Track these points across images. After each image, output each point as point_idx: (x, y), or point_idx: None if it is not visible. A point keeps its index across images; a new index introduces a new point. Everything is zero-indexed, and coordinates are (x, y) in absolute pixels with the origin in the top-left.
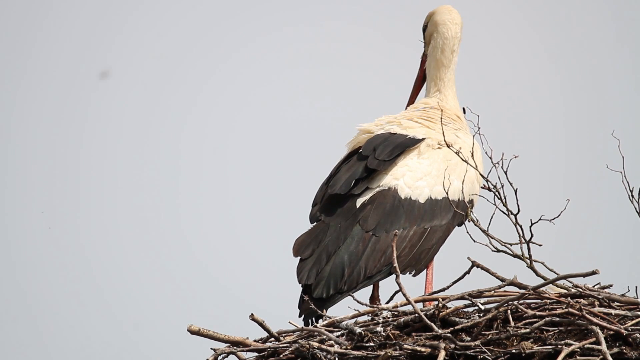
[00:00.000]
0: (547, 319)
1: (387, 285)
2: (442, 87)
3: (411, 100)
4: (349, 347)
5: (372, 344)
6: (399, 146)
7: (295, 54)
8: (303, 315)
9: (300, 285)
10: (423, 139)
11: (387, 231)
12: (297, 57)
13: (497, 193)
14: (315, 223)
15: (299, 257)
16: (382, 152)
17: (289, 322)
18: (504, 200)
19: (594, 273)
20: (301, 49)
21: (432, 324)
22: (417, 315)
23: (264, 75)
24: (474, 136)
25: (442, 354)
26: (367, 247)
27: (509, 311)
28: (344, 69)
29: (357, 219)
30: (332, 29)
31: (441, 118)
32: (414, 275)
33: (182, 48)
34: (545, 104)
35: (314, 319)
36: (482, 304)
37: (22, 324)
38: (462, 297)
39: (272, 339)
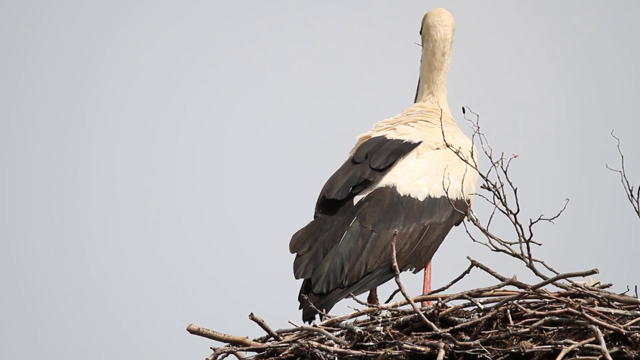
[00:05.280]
0: (546, 318)
1: (386, 285)
2: (434, 90)
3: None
4: (348, 347)
5: (371, 343)
6: (394, 153)
7: (293, 53)
8: (304, 314)
9: (297, 279)
10: (420, 142)
11: (387, 228)
12: (296, 56)
13: (496, 192)
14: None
15: (295, 253)
16: (376, 159)
17: (289, 322)
18: (503, 200)
19: (593, 272)
20: (299, 49)
21: (432, 324)
22: (416, 314)
23: (262, 75)
24: (473, 136)
25: (442, 353)
26: (367, 243)
27: (508, 310)
28: (343, 68)
29: (355, 215)
30: (330, 28)
31: (440, 117)
32: (415, 272)
33: (181, 47)
34: (545, 104)
35: (315, 315)
36: (482, 304)
37: (21, 325)
38: (461, 297)
39: (272, 338)
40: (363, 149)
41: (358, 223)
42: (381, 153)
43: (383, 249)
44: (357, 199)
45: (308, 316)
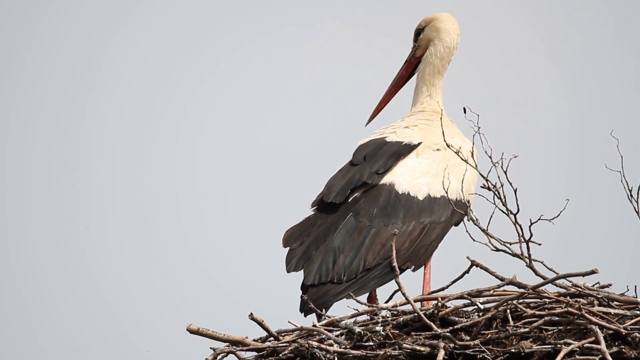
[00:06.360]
0: (546, 318)
1: (386, 285)
2: (433, 93)
3: (385, 100)
4: (348, 347)
5: (371, 343)
6: (393, 155)
7: (294, 53)
8: (301, 308)
9: (288, 272)
10: (419, 143)
11: (386, 224)
12: (296, 56)
13: (496, 192)
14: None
15: (287, 248)
16: (375, 162)
17: (289, 322)
18: (503, 200)
19: (593, 272)
20: (299, 49)
21: (432, 324)
22: (416, 314)
23: (261, 75)
24: (473, 136)
25: (442, 353)
26: (365, 239)
27: (508, 310)
28: (343, 68)
29: (349, 212)
30: (330, 28)
31: (441, 118)
32: (414, 271)
33: (180, 47)
34: (545, 104)
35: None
36: (482, 303)
37: (21, 325)
38: (461, 297)
39: (272, 338)
40: (362, 150)
41: (352, 218)
42: (380, 156)
43: (382, 245)
44: (352, 196)
45: (307, 313)
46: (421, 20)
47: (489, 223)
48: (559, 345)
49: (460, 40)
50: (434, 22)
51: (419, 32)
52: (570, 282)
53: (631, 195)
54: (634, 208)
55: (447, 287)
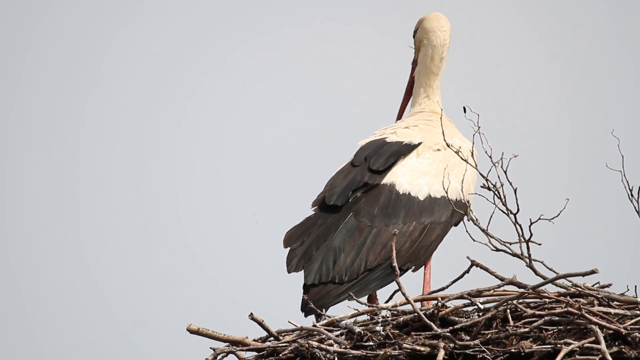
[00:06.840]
0: (546, 318)
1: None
2: (430, 94)
3: (403, 107)
4: (348, 347)
5: (371, 343)
6: (393, 155)
7: (293, 53)
8: (303, 309)
9: (289, 273)
10: (420, 143)
11: (387, 225)
12: (296, 56)
13: (496, 192)
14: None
15: (288, 248)
16: (376, 161)
17: (289, 322)
18: (503, 200)
19: (593, 272)
20: (299, 49)
21: (432, 323)
22: (416, 314)
23: (261, 75)
24: (473, 135)
25: (442, 353)
26: (366, 239)
27: (508, 310)
28: (343, 68)
29: (350, 211)
30: (330, 28)
31: (441, 117)
32: (414, 271)
33: (180, 47)
34: (545, 104)
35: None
36: (482, 303)
37: (21, 325)
38: (461, 297)
39: (272, 338)
40: (362, 152)
41: (352, 217)
42: (381, 155)
43: (383, 246)
44: (352, 196)
45: (307, 313)
46: (416, 23)
47: (489, 223)
48: (559, 345)
49: (449, 38)
50: (423, 23)
51: (414, 34)
52: (570, 282)
53: (632, 195)
54: (635, 208)
55: (447, 287)
